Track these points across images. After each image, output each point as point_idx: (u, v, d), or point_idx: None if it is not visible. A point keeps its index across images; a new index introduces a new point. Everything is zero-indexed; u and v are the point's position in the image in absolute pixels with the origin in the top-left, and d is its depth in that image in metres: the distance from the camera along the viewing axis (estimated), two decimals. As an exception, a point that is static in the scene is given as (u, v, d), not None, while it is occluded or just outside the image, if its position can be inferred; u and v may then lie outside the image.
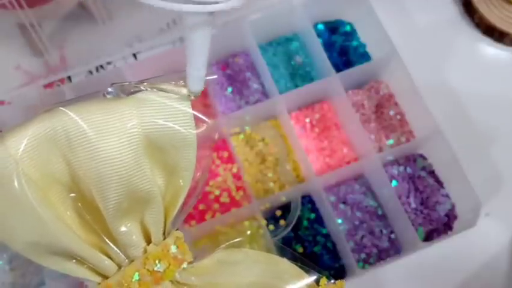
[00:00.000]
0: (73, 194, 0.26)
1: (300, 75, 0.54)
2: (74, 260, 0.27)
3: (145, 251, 0.27)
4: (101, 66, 0.56)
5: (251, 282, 0.29)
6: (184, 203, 0.28)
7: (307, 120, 0.53)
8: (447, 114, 0.53)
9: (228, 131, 0.50)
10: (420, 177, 0.51)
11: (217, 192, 0.49)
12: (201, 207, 0.48)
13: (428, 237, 0.49)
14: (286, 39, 0.55)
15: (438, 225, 0.49)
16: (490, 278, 0.49)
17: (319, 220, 0.49)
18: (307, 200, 0.50)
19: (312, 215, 0.49)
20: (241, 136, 0.51)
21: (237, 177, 0.49)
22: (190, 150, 0.27)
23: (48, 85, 0.55)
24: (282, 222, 0.48)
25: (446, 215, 0.49)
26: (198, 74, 0.26)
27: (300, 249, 0.48)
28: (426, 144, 0.51)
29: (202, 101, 0.53)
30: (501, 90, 0.55)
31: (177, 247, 0.28)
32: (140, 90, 0.27)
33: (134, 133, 0.26)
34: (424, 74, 0.53)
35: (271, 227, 0.47)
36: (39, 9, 0.51)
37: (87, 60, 0.55)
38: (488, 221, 0.50)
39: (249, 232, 0.41)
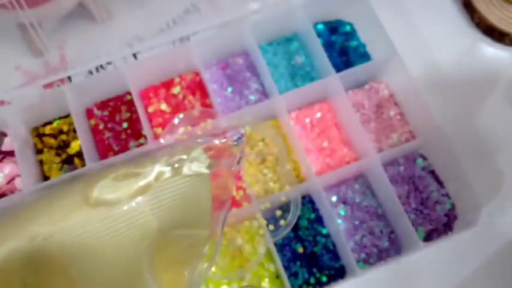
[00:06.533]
0: None
1: (300, 75, 0.54)
2: None
3: None
4: (101, 66, 0.56)
5: None
6: None
7: (307, 120, 0.53)
8: (447, 114, 0.53)
9: (228, 131, 0.50)
10: (420, 177, 0.51)
11: (217, 192, 0.49)
12: (201, 207, 0.48)
13: (428, 237, 0.49)
14: (286, 39, 0.55)
15: (438, 225, 0.49)
16: (490, 278, 0.49)
17: (319, 220, 0.49)
18: (307, 200, 0.50)
19: (312, 215, 0.49)
20: (241, 136, 0.51)
21: (237, 177, 0.49)
22: (201, 242, 0.24)
23: (48, 85, 0.55)
24: (282, 222, 0.48)
25: (446, 215, 0.49)
26: None
27: (300, 249, 0.48)
28: (426, 144, 0.51)
29: (202, 101, 0.53)
30: (501, 90, 0.55)
31: None
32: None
33: (142, 247, 0.22)
34: (424, 74, 0.53)
35: (271, 227, 0.47)
36: (39, 9, 0.51)
37: (87, 60, 0.55)
38: (488, 221, 0.50)
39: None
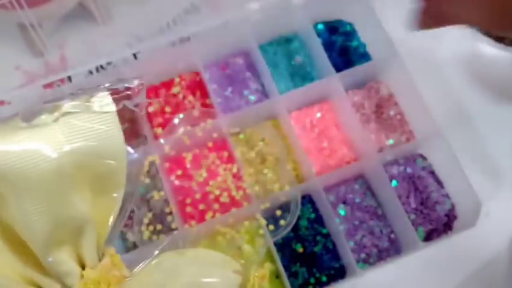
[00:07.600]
0: None
1: (300, 75, 0.54)
2: None
3: (82, 277, 0.26)
4: (101, 66, 0.56)
5: (190, 282, 0.29)
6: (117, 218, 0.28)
7: (307, 120, 0.53)
8: (447, 114, 0.53)
9: (228, 131, 0.50)
10: (420, 177, 0.51)
11: (217, 192, 0.49)
12: (201, 207, 0.48)
13: (428, 237, 0.49)
14: (286, 39, 0.55)
15: (438, 225, 0.49)
16: (490, 278, 0.49)
17: (319, 220, 0.49)
18: (307, 200, 0.50)
19: (312, 215, 0.49)
20: (241, 136, 0.51)
21: (237, 177, 0.49)
22: (121, 166, 0.27)
23: (48, 85, 0.55)
24: (282, 222, 0.48)
25: (446, 215, 0.49)
26: None
27: (300, 249, 0.48)
28: (426, 144, 0.51)
29: (202, 101, 0.53)
30: (501, 91, 0.55)
31: (114, 265, 0.27)
32: (58, 112, 0.26)
33: (62, 162, 0.25)
34: (424, 74, 0.53)
35: (271, 227, 0.47)
36: (39, 9, 0.51)
37: (87, 60, 0.55)
38: (488, 221, 0.50)
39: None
